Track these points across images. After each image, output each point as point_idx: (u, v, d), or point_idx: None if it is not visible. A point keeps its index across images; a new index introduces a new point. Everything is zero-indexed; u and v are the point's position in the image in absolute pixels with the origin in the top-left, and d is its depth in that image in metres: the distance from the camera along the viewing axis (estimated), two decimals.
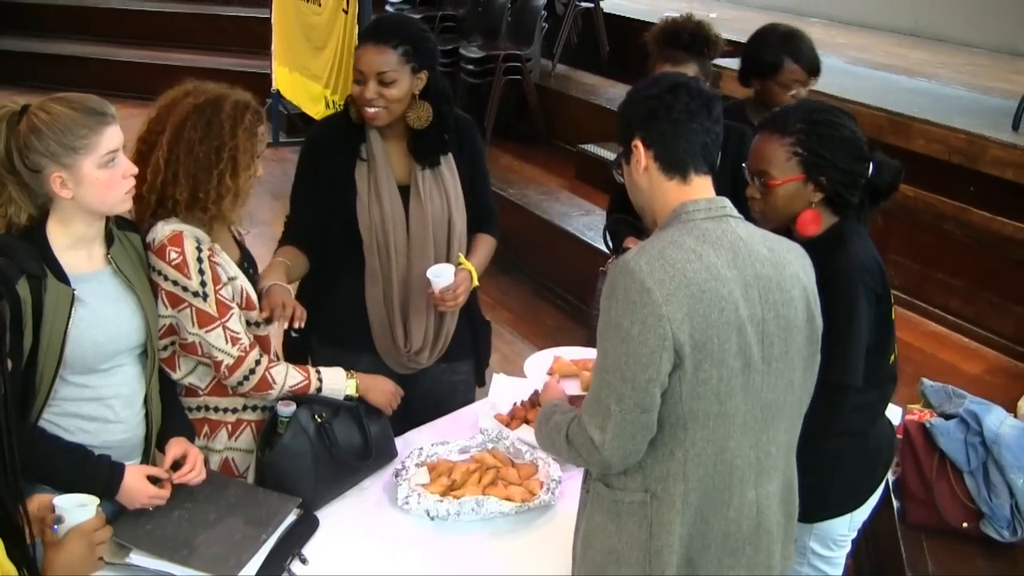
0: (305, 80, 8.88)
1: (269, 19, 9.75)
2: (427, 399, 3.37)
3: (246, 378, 2.96)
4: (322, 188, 3.41)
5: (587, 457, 2.32)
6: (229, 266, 2.99)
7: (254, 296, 3.05)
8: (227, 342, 2.92)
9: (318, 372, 3.09)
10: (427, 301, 3.43)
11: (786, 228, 2.90)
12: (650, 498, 2.31)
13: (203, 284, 2.87)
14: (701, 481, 2.30)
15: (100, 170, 2.58)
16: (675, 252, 2.22)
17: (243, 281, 3.02)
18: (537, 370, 3.14)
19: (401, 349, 3.52)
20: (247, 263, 3.14)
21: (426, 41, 3.38)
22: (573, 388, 3.18)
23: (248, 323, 3.04)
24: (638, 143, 2.37)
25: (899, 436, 3.68)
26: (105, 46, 12.86)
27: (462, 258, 3.46)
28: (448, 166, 3.51)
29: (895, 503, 3.77)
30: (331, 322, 3.47)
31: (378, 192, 3.41)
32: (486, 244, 3.66)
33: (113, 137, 2.61)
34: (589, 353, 3.25)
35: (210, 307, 2.89)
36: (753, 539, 2.39)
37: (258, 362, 2.97)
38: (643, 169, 2.38)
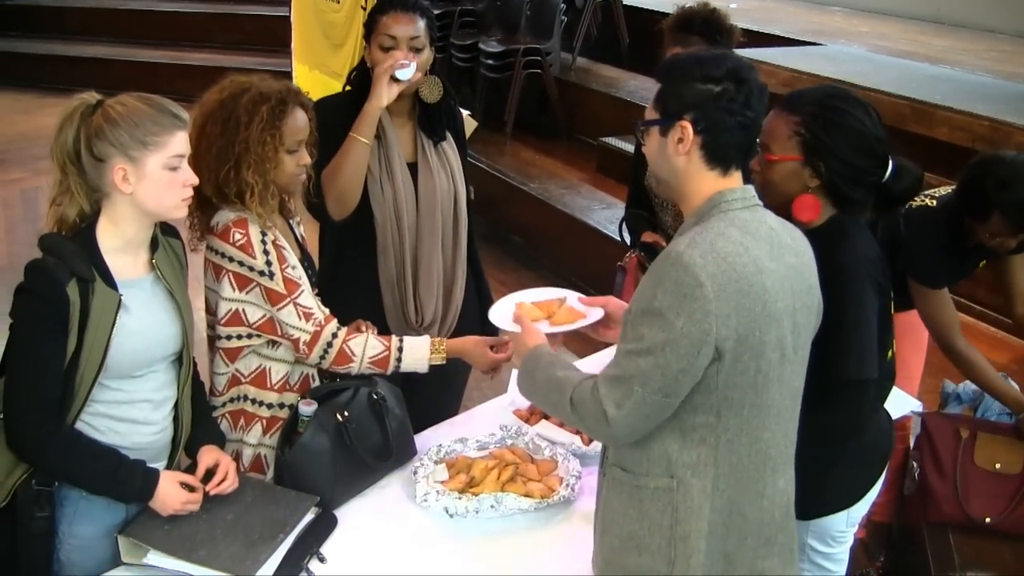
0: (325, 77, 8.87)
1: (289, 17, 9.76)
2: (437, 378, 3.31)
3: (325, 352, 2.98)
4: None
5: (591, 426, 2.31)
6: (291, 254, 3.00)
7: (309, 289, 3.06)
8: (300, 318, 2.94)
9: (400, 343, 3.07)
10: (437, 276, 3.56)
11: (787, 211, 2.87)
12: (676, 484, 2.27)
13: (268, 264, 2.90)
14: (734, 468, 2.28)
15: (164, 171, 2.59)
16: (725, 245, 2.19)
17: (302, 272, 3.03)
18: (503, 319, 3.06)
19: (413, 324, 3.57)
20: (307, 265, 3.15)
21: (434, 20, 3.55)
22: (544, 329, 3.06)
23: None
24: (688, 125, 2.28)
25: (914, 432, 3.64)
26: (125, 47, 12.93)
27: None
28: (450, 144, 3.64)
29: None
30: (344, 309, 3.43)
31: (390, 170, 3.49)
32: None
33: (182, 142, 2.62)
34: (550, 293, 3.13)
35: (278, 285, 2.92)
36: (784, 526, 2.39)
37: (335, 335, 2.98)
38: (684, 151, 2.30)
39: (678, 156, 2.31)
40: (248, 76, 3.00)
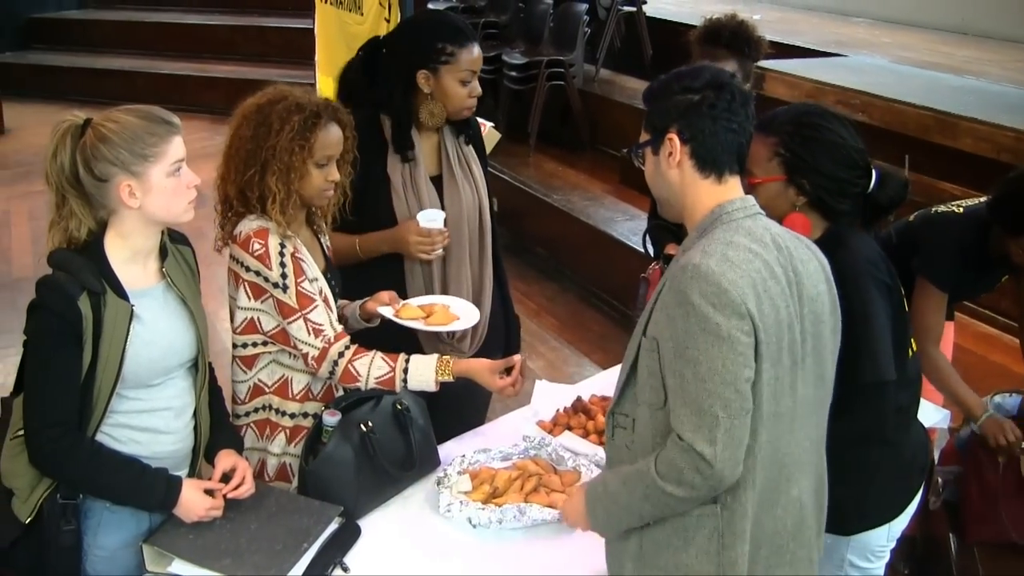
0: None
1: (312, 29, 9.81)
2: (462, 389, 3.30)
3: (332, 369, 2.98)
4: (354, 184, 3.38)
5: (692, 480, 2.15)
6: (312, 267, 3.01)
7: (332, 301, 3.09)
8: (309, 334, 2.95)
9: (405, 364, 3.04)
10: (466, 287, 3.56)
11: None
12: (720, 509, 2.24)
13: (284, 276, 2.91)
14: (762, 484, 2.27)
15: (168, 179, 2.60)
16: (736, 253, 2.19)
17: (323, 283, 3.05)
18: (388, 312, 3.22)
19: (445, 339, 3.54)
20: (331, 276, 3.16)
21: None
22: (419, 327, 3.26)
23: None
24: (674, 136, 2.31)
25: (938, 445, 3.61)
26: (151, 59, 13.05)
27: None
28: (472, 156, 3.64)
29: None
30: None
31: (415, 184, 3.48)
32: None
33: (179, 146, 2.63)
34: (434, 299, 3.37)
35: (290, 299, 2.92)
36: (797, 535, 2.37)
37: (341, 354, 2.98)
38: (676, 163, 2.32)
39: (671, 170, 2.34)
40: (292, 87, 3.01)
